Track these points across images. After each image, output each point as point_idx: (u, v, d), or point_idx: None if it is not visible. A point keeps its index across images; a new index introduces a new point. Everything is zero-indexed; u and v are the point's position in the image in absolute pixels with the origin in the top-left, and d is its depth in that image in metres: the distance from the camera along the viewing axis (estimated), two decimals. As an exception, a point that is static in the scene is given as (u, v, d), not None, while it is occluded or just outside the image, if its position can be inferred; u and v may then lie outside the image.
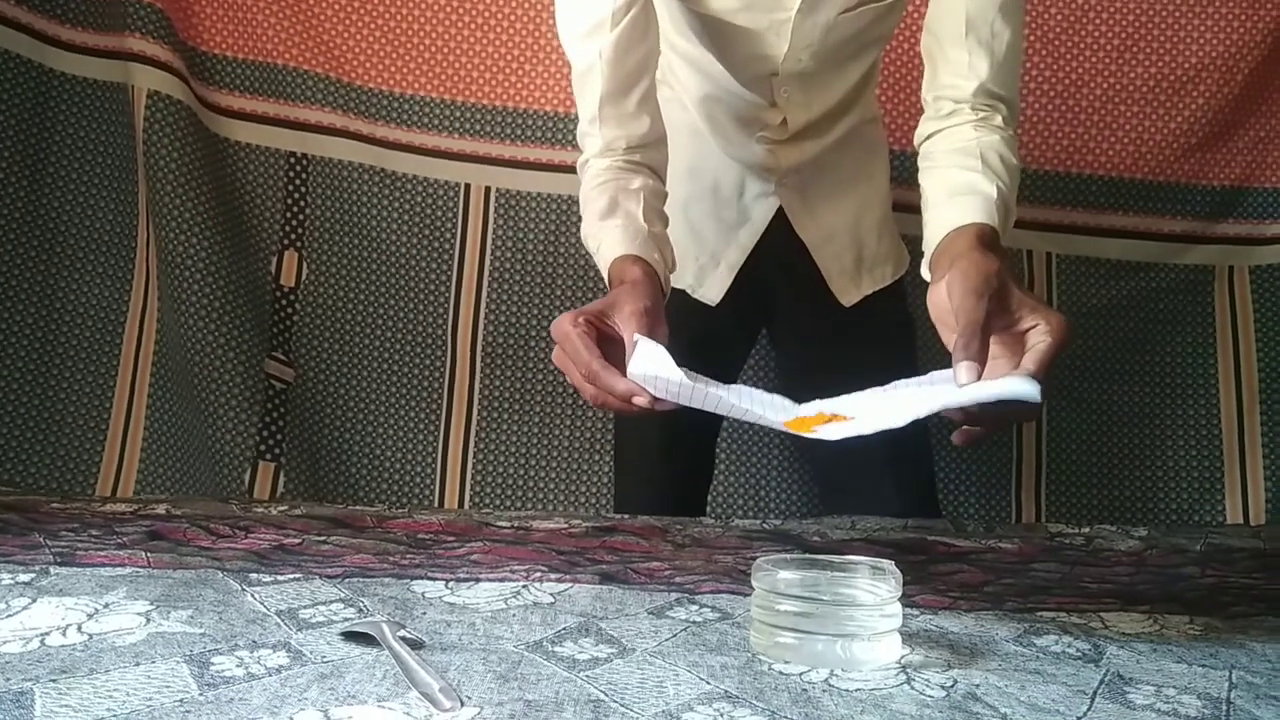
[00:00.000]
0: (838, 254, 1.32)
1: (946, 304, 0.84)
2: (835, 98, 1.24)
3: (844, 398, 0.87)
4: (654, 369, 0.82)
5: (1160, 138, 1.80)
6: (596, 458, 1.73)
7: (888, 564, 0.69)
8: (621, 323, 0.89)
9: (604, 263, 1.02)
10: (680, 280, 1.26)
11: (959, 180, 0.98)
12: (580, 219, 1.08)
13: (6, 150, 1.57)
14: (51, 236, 1.61)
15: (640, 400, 0.83)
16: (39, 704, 0.54)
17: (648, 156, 1.09)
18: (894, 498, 1.27)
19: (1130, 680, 0.65)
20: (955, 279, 0.84)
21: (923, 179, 1.03)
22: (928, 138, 1.05)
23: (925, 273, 0.96)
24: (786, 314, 1.39)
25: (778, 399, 0.89)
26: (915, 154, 1.07)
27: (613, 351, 0.87)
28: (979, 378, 0.77)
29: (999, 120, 1.03)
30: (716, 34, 1.16)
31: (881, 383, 0.89)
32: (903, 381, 0.88)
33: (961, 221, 0.93)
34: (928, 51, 1.07)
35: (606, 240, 1.02)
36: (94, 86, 1.63)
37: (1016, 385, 0.75)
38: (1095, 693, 0.62)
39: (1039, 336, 0.81)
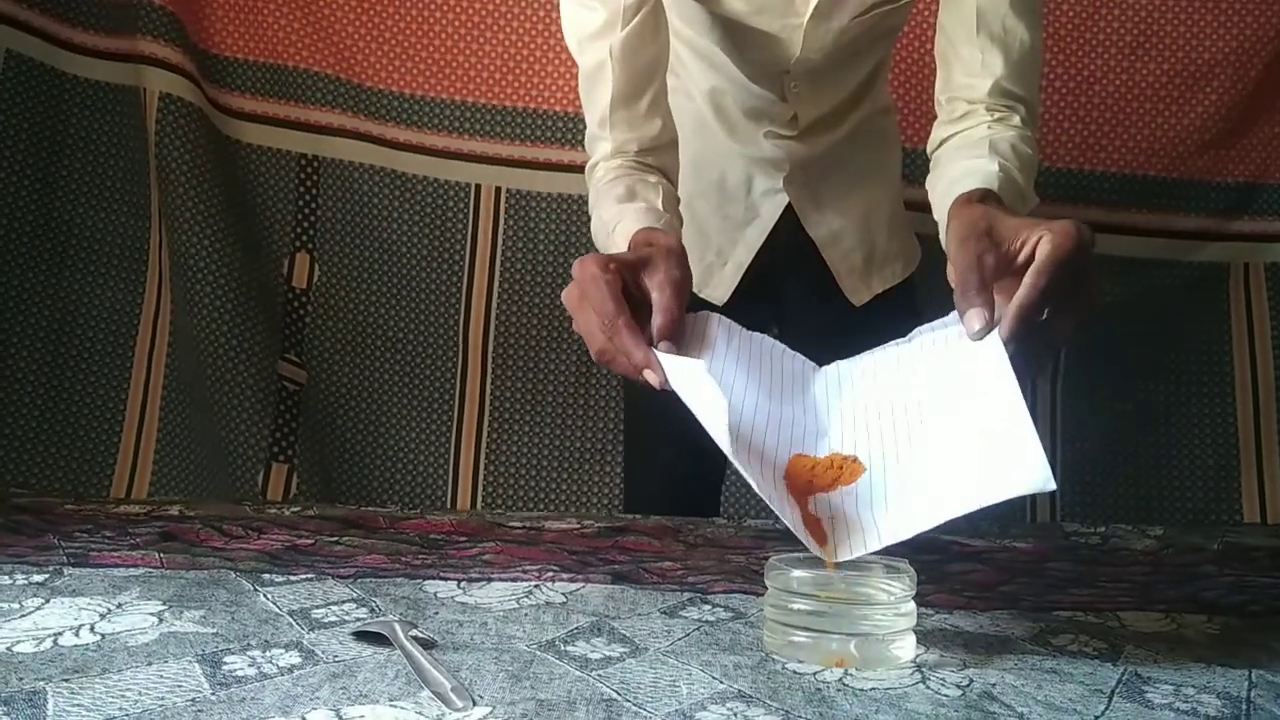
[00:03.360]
0: (847, 253, 1.30)
1: (953, 272, 0.81)
2: (847, 91, 1.22)
3: (858, 361, 0.86)
4: (694, 384, 0.76)
5: (1173, 134, 1.79)
6: (608, 458, 1.73)
7: (902, 563, 0.68)
8: (655, 287, 0.83)
9: (623, 236, 0.92)
10: None
11: (961, 168, 0.94)
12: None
13: (19, 153, 1.57)
14: (64, 239, 1.62)
15: (652, 378, 0.79)
16: (51, 703, 0.54)
17: (660, 160, 1.06)
18: None
19: (1148, 679, 0.64)
20: (949, 242, 0.82)
21: (929, 182, 1.01)
22: (941, 144, 1.02)
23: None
24: (795, 313, 1.37)
25: (800, 365, 0.88)
26: (927, 156, 1.04)
27: (635, 310, 0.82)
28: (989, 321, 0.75)
29: (1016, 120, 0.99)
30: (729, 33, 1.14)
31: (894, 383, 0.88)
32: (927, 326, 0.84)
33: (959, 193, 0.89)
34: (941, 53, 1.05)
35: (629, 217, 0.95)
36: (105, 89, 1.63)
37: (1012, 481, 0.66)
38: (1113, 692, 0.62)
39: (1041, 250, 0.75)
